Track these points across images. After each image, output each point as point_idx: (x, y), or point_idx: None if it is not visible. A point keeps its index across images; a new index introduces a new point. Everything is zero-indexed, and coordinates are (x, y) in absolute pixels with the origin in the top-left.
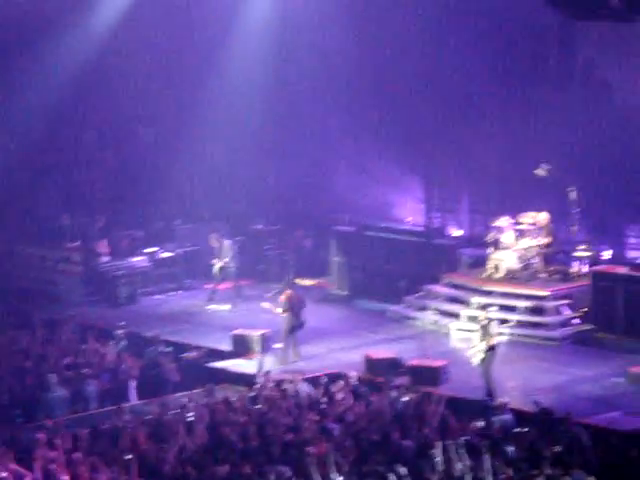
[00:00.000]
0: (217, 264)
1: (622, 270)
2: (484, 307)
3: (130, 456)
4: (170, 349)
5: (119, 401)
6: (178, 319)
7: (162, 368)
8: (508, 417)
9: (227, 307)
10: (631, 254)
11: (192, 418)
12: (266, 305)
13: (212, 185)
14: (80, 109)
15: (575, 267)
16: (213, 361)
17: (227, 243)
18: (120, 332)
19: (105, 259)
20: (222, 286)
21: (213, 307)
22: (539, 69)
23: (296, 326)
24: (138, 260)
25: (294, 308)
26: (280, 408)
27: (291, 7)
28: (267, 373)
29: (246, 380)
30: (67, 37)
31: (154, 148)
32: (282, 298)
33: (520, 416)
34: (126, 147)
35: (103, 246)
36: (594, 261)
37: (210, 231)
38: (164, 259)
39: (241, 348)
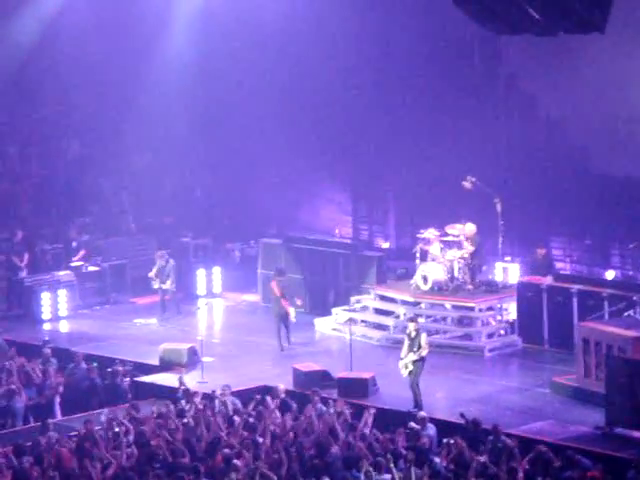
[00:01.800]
0: (158, 284)
1: (547, 281)
2: (412, 319)
3: (54, 473)
4: (95, 364)
5: (45, 417)
6: (104, 333)
7: (93, 382)
8: (431, 431)
9: (154, 320)
10: (556, 265)
11: (118, 434)
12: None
13: (139, 198)
14: (3, 121)
15: (501, 278)
16: (140, 375)
17: (172, 264)
18: (48, 351)
19: (24, 273)
20: (152, 299)
21: (140, 321)
22: (464, 82)
23: (282, 314)
24: (63, 274)
25: (274, 297)
26: (208, 422)
27: (217, 20)
28: (187, 388)
29: (173, 394)
30: None
31: (80, 160)
32: (275, 288)
33: (448, 427)
34: (51, 160)
35: (24, 260)
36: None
37: (139, 244)
38: (90, 273)
39: (168, 362)
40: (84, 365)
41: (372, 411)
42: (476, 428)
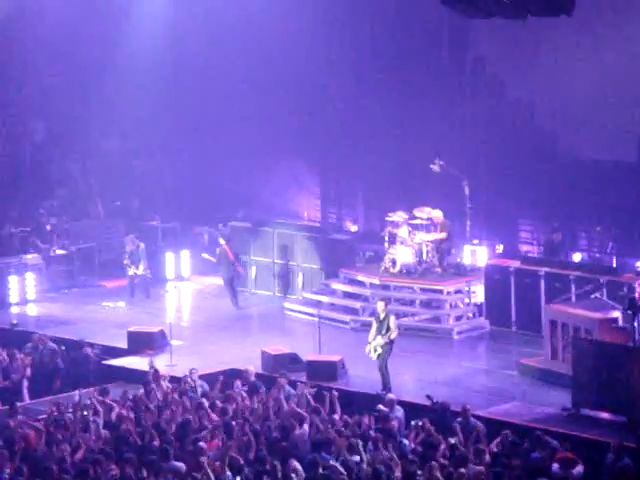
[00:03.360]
0: (133, 271)
1: (514, 264)
2: (382, 301)
3: (21, 464)
4: (63, 347)
5: (13, 400)
6: (72, 317)
7: (56, 366)
8: (400, 413)
9: (122, 304)
10: (523, 248)
11: (88, 417)
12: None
13: (107, 181)
14: None
15: (469, 261)
16: (108, 359)
17: (142, 248)
18: (37, 336)
19: None
20: (120, 282)
21: (109, 304)
22: (432, 65)
23: (231, 278)
24: (31, 257)
25: (227, 260)
26: (176, 405)
27: (187, 2)
28: (156, 371)
29: (142, 378)
30: None
31: (46, 143)
32: (230, 252)
33: (416, 409)
34: (17, 142)
35: None
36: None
37: (107, 228)
38: (58, 256)
39: (137, 345)
40: (50, 347)
41: (335, 393)
42: (444, 410)
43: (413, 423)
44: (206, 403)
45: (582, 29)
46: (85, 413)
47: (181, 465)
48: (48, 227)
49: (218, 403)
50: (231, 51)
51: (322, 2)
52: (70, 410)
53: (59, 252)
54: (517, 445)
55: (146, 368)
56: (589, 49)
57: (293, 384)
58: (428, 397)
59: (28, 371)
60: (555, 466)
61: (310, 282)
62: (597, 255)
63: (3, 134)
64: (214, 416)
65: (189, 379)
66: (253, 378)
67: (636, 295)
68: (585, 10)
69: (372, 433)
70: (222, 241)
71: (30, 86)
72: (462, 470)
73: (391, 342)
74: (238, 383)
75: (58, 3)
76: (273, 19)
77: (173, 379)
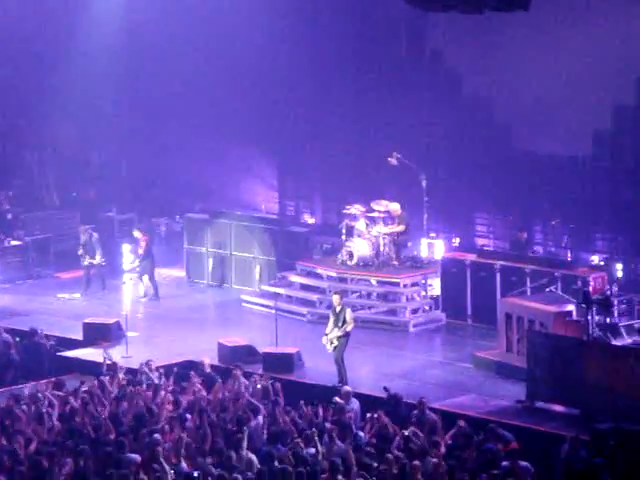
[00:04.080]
0: (88, 260)
1: (470, 257)
2: (338, 294)
3: None
4: (18, 339)
5: None
6: (27, 308)
7: (8, 358)
8: (355, 405)
9: (77, 295)
10: (479, 241)
11: (42, 408)
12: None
13: (63, 172)
14: None
15: (426, 254)
16: (64, 350)
17: (96, 237)
18: None
19: None
20: (75, 274)
21: (64, 296)
22: (389, 59)
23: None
24: None
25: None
26: (131, 397)
27: None
28: (114, 363)
29: (97, 369)
30: None
31: (2, 133)
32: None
33: (372, 402)
34: None
35: None
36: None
37: (63, 219)
38: (12, 247)
39: (92, 337)
40: (4, 338)
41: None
42: (397, 402)
43: (368, 415)
44: (162, 395)
45: (539, 25)
46: (40, 404)
47: (136, 457)
48: (9, 216)
49: (170, 396)
50: (188, 41)
51: None
52: (23, 402)
53: (14, 243)
54: (470, 437)
55: (102, 360)
56: (546, 44)
57: (249, 376)
58: (385, 389)
59: None
60: (504, 463)
61: (268, 274)
62: (552, 249)
63: None
64: (170, 407)
65: (145, 369)
66: (208, 370)
67: (590, 289)
68: (542, 6)
69: (327, 425)
70: (140, 235)
71: None
72: (416, 462)
73: (347, 334)
74: (193, 375)
75: None
76: (230, 8)
77: (129, 371)
